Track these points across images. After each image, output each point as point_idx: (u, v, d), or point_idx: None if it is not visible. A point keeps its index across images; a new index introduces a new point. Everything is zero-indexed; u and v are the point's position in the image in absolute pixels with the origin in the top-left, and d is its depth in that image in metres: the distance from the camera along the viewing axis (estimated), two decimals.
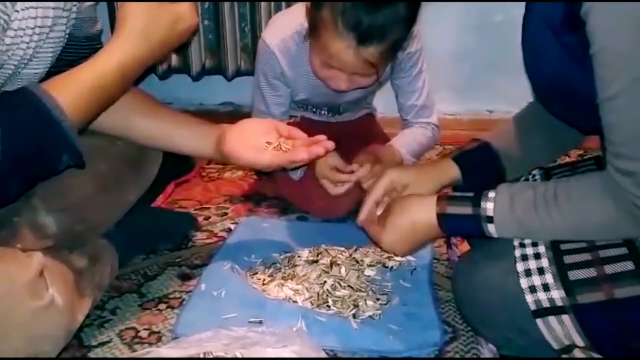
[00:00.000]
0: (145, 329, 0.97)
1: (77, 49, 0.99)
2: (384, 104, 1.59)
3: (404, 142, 1.37)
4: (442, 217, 0.87)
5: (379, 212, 1.01)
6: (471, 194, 0.86)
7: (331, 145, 0.96)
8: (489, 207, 0.83)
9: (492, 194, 0.83)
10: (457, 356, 0.90)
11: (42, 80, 0.86)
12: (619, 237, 0.77)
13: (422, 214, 0.89)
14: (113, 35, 0.84)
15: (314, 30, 1.14)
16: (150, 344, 0.93)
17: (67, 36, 0.85)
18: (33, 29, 0.77)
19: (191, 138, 1.01)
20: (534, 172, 0.98)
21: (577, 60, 0.76)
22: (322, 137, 0.98)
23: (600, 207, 0.76)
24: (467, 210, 0.84)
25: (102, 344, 0.94)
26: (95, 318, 0.99)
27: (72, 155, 0.80)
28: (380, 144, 1.43)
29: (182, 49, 1.85)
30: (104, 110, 0.86)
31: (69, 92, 0.78)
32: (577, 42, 0.73)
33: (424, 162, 1.48)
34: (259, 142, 0.99)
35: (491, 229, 0.83)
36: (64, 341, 0.84)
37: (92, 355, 0.91)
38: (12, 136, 0.73)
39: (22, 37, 0.76)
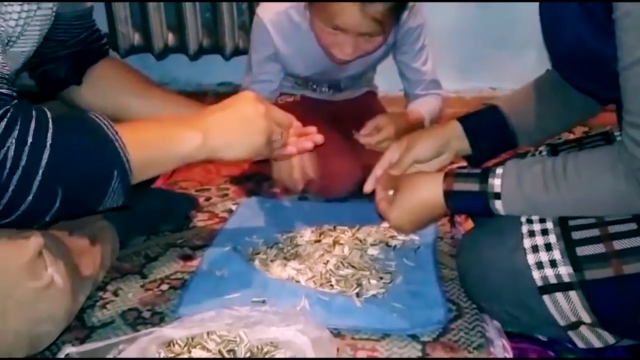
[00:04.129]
0: (147, 310, 0.97)
1: (67, 28, 0.97)
2: (385, 82, 1.57)
3: (422, 105, 1.35)
4: (448, 194, 0.86)
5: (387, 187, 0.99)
6: (478, 170, 0.84)
7: (320, 138, 0.94)
8: (496, 182, 0.81)
9: (499, 170, 0.82)
10: (462, 333, 0.89)
11: (28, 57, 0.85)
12: (629, 212, 0.76)
13: (429, 190, 0.88)
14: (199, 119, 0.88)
15: None
16: (153, 324, 0.92)
17: (54, 14, 0.84)
18: (21, 5, 0.75)
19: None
20: (541, 148, 0.96)
21: (598, 25, 0.73)
22: (312, 129, 0.96)
23: (610, 181, 0.74)
24: (474, 186, 0.83)
25: (105, 325, 0.93)
26: (97, 299, 0.99)
27: (122, 187, 0.77)
28: None
29: None
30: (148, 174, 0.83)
31: (135, 137, 0.78)
32: (600, 6, 0.71)
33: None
34: None
35: (498, 205, 0.82)
36: (65, 322, 0.83)
37: (94, 335, 0.90)
38: (64, 158, 0.71)
39: (10, 13, 0.74)
